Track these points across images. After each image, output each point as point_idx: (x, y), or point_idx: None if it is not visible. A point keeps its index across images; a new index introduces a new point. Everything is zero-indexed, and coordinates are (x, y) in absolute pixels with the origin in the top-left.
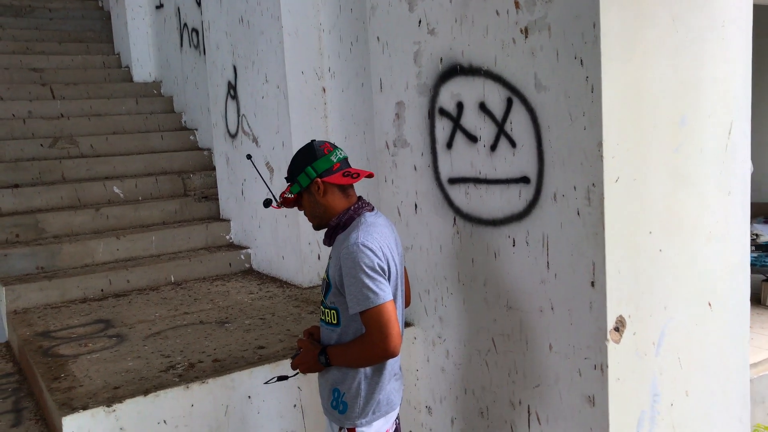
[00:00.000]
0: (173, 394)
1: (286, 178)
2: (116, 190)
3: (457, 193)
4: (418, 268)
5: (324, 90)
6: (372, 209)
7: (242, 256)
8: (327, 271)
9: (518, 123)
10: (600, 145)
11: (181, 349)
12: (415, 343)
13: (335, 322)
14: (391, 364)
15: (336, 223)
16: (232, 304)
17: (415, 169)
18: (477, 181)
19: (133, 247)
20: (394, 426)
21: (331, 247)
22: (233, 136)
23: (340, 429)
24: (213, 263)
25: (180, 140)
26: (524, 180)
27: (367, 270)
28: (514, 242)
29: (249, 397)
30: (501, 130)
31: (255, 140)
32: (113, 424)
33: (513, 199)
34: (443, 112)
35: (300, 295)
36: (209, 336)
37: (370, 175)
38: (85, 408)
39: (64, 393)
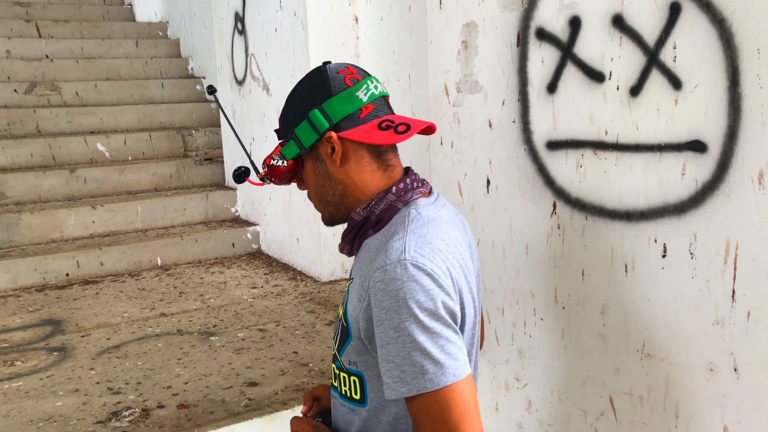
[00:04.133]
0: None
1: (276, 130)
2: (100, 147)
3: (562, 165)
4: (488, 274)
5: (356, 19)
6: (429, 192)
7: (249, 235)
8: (344, 306)
9: (689, 46)
10: None
11: (140, 379)
12: (477, 380)
13: (358, 397)
14: None
15: (363, 216)
16: (226, 303)
17: (491, 125)
18: (600, 146)
19: (112, 220)
20: None
21: (352, 258)
22: (240, 83)
23: None
24: (211, 243)
25: (184, 90)
26: (695, 146)
27: (422, 316)
28: (665, 250)
29: None
30: (653, 61)
31: (266, 87)
32: None
33: (670, 177)
34: (544, 35)
35: (317, 294)
36: (184, 357)
37: (428, 129)
38: None
39: None
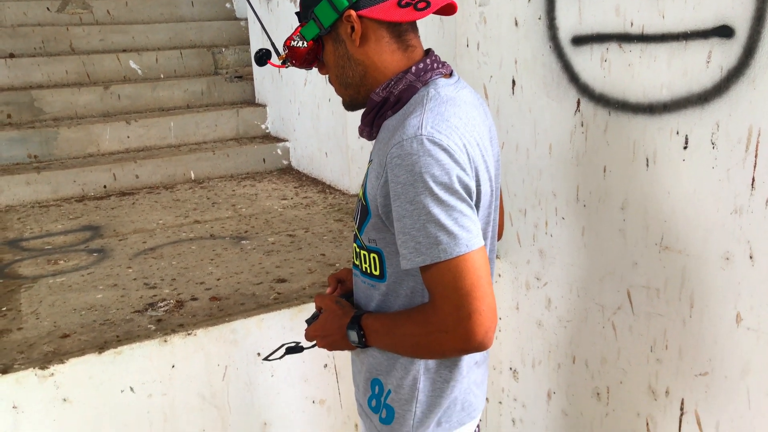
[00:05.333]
0: (144, 351)
1: (297, 12)
2: (133, 65)
3: (587, 61)
4: (511, 177)
5: None
6: (450, 73)
7: (279, 151)
8: (364, 186)
9: None
10: None
11: (174, 276)
12: (498, 281)
13: (377, 273)
14: None
15: (383, 96)
16: (257, 212)
17: (517, 23)
18: (625, 38)
19: (146, 135)
20: None
21: (373, 142)
22: None
23: None
24: (243, 158)
25: (214, 7)
26: (722, 32)
27: (436, 189)
28: (686, 142)
29: (258, 354)
30: None
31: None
32: (52, 393)
33: (694, 66)
34: None
35: (345, 205)
36: (216, 258)
37: (449, 8)
38: (6, 370)
39: None
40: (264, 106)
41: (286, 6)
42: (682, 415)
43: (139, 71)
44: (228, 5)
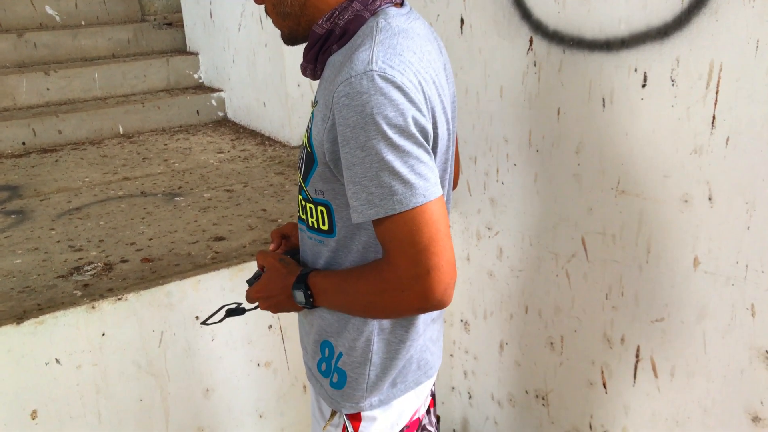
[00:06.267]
0: (69, 319)
1: None
2: (49, 10)
3: None
4: (461, 122)
5: None
6: (401, 3)
7: (213, 102)
8: (308, 131)
9: None
10: None
11: (102, 237)
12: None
13: (326, 227)
14: None
15: (326, 29)
16: (192, 167)
17: None
18: None
19: (69, 87)
20: (428, 400)
21: (318, 82)
22: None
23: (334, 413)
24: (175, 110)
25: None
26: None
27: (390, 133)
28: (645, 79)
29: (196, 317)
30: None
31: None
32: None
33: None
34: None
35: (286, 158)
36: (148, 216)
37: None
38: None
39: None
40: (196, 54)
41: None
42: (637, 362)
43: (57, 17)
44: None
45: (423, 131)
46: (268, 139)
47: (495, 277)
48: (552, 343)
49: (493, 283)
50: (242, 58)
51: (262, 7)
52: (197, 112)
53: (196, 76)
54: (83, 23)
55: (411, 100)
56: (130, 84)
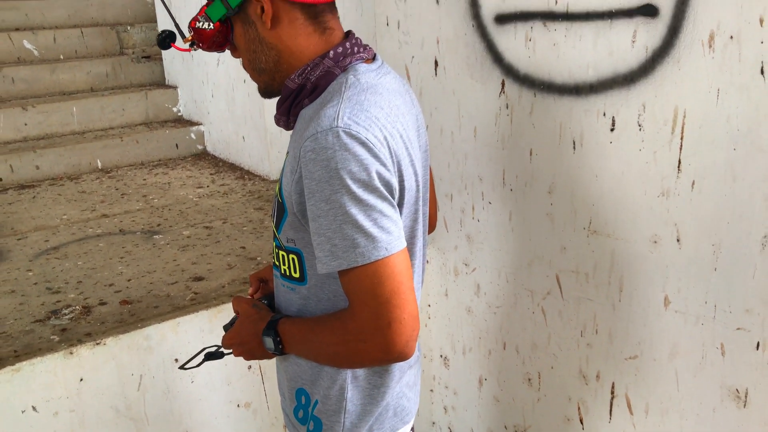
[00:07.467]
0: (47, 365)
1: None
2: (28, 45)
3: (511, 40)
4: (436, 161)
5: None
6: (373, 58)
7: (192, 135)
8: (280, 181)
9: None
10: None
11: (80, 278)
12: (427, 268)
13: (297, 275)
14: None
15: (299, 83)
16: (171, 202)
17: (437, 1)
18: (549, 16)
19: (47, 122)
20: None
21: (290, 133)
22: None
23: None
24: (154, 144)
25: None
26: (646, 11)
27: (354, 187)
28: (613, 123)
29: (176, 360)
30: None
31: None
32: None
33: (620, 46)
34: None
35: (265, 192)
36: (127, 256)
37: None
38: None
39: None
40: (175, 87)
41: None
42: (612, 398)
43: (35, 52)
44: None
45: (387, 185)
46: (248, 172)
47: (473, 313)
48: (530, 379)
49: (471, 319)
50: (221, 92)
51: None
52: (176, 145)
53: (174, 109)
54: (62, 57)
55: (375, 156)
56: (108, 118)
